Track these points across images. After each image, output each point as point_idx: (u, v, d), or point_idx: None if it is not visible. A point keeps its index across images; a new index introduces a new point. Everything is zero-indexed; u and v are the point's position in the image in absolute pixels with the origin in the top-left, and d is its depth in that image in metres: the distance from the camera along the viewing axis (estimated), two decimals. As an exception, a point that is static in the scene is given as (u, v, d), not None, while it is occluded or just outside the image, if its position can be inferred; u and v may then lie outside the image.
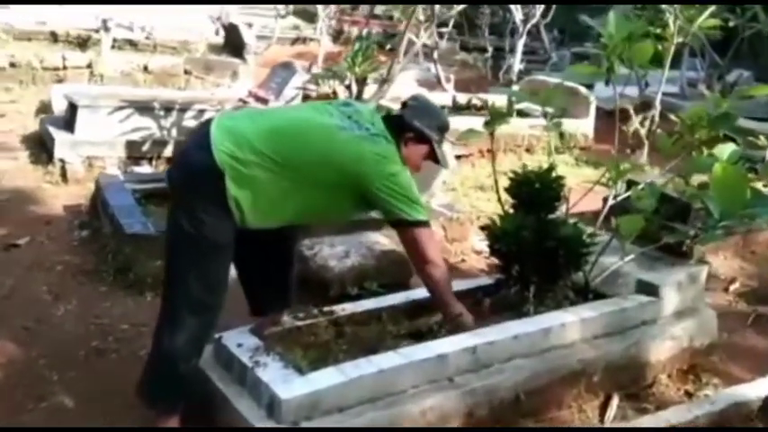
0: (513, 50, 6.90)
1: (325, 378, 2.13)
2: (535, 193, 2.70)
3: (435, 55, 7.05)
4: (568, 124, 6.41)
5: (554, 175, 2.76)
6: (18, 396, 2.60)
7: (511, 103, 6.01)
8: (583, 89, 6.47)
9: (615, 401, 2.65)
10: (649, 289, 2.88)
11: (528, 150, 6.10)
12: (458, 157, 5.71)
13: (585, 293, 2.90)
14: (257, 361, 2.23)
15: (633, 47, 2.79)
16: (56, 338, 2.98)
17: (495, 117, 2.71)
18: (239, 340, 2.37)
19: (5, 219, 4.21)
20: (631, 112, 5.19)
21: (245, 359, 2.26)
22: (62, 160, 4.92)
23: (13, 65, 7.42)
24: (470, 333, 2.43)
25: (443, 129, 2.49)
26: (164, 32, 9.11)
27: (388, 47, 7.27)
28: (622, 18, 2.89)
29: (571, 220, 2.90)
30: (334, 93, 4.23)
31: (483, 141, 5.84)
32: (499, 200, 2.87)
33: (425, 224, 2.35)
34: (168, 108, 5.18)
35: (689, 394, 2.83)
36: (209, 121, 2.28)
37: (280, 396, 2.04)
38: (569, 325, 2.60)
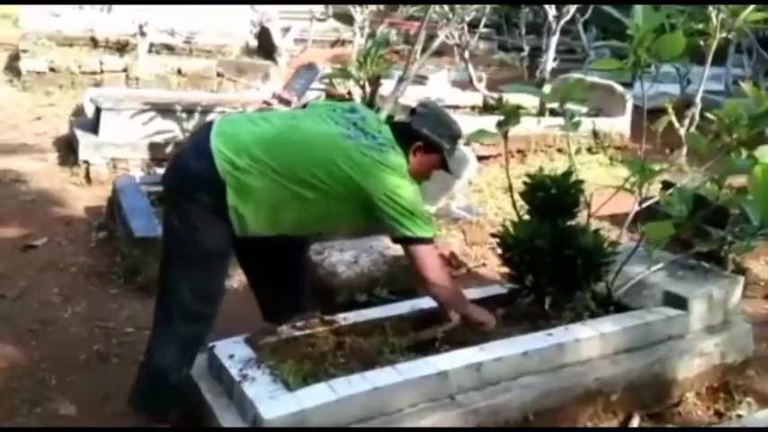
0: (546, 49, 6.65)
1: (314, 396, 2.00)
2: (551, 198, 2.52)
3: (466, 54, 6.84)
4: (603, 123, 6.19)
5: (573, 178, 2.56)
6: (15, 400, 2.57)
7: (542, 103, 5.81)
8: (618, 87, 6.20)
9: (636, 421, 2.46)
10: (677, 301, 2.67)
11: (560, 151, 5.86)
12: (486, 158, 5.54)
13: (608, 305, 2.70)
14: (245, 374, 2.12)
15: (661, 39, 2.57)
16: (60, 341, 2.95)
17: (508, 117, 2.52)
18: (232, 350, 2.26)
19: (28, 219, 4.23)
20: (669, 110, 4.90)
21: (234, 372, 2.15)
22: (86, 162, 4.96)
23: (53, 70, 7.60)
24: (475, 348, 2.27)
25: (455, 137, 2.36)
26: (206, 37, 9.23)
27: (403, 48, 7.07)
28: (650, 9, 2.68)
29: (594, 227, 2.72)
30: (350, 93, 4.12)
31: (514, 141, 5.74)
32: (514, 205, 2.69)
33: (428, 241, 2.21)
34: (191, 110, 5.15)
35: (719, 414, 2.61)
36: (209, 125, 2.18)
37: (262, 415, 1.92)
38: (586, 340, 2.41)
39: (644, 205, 2.72)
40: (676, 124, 5.13)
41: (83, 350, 2.89)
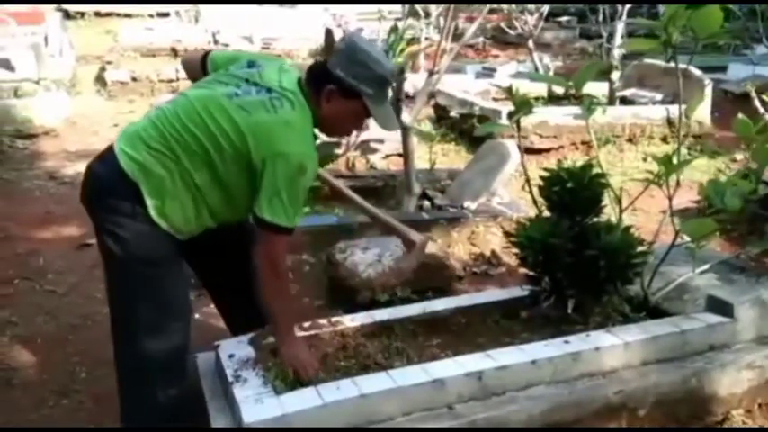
0: (612, 35, 6.26)
1: (300, 401, 1.93)
2: (567, 193, 2.32)
3: (530, 43, 6.56)
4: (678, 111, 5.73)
5: (593, 172, 2.35)
6: (45, 391, 2.69)
7: (612, 91, 5.49)
8: (696, 71, 5.73)
9: (670, 440, 2.23)
10: (722, 307, 2.40)
11: (630, 140, 5.50)
12: (547, 150, 5.29)
13: (644, 310, 2.48)
14: (238, 376, 2.09)
15: (695, 15, 2.29)
16: (95, 337, 3.04)
17: (520, 107, 2.34)
18: (233, 350, 2.24)
19: (89, 220, 4.41)
20: (752, 94, 4.48)
21: (230, 372, 2.12)
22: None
23: (134, 79, 8.01)
24: (479, 355, 2.13)
25: (381, 81, 1.98)
26: (283, 42, 9.45)
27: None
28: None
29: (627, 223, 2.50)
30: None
31: (576, 133, 5.45)
32: (534, 202, 2.51)
33: (283, 231, 1.91)
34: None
35: (774, 433, 2.33)
36: None
37: (243, 418, 1.88)
38: (607, 349, 2.21)
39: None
40: (761, 109, 4.68)
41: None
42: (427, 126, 6.34)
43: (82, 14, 11.90)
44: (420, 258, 2.32)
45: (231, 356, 2.21)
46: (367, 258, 2.98)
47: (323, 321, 2.42)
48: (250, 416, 1.88)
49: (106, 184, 1.94)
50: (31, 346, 2.99)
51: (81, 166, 2.08)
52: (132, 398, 2.06)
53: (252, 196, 1.95)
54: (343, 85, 1.96)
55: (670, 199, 2.34)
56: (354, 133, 3.69)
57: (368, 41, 2.13)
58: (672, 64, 2.39)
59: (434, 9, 8.43)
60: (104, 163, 1.96)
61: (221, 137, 1.90)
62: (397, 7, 11.54)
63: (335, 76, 1.95)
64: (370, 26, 10.31)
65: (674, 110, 5.72)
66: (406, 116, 3.82)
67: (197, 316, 2.72)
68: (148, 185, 1.91)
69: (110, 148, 1.99)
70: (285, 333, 2.09)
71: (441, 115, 6.47)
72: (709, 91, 5.78)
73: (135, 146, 1.93)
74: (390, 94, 2.07)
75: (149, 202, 1.91)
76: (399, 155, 4.10)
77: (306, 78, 2.02)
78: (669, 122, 5.58)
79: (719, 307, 2.40)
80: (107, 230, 1.94)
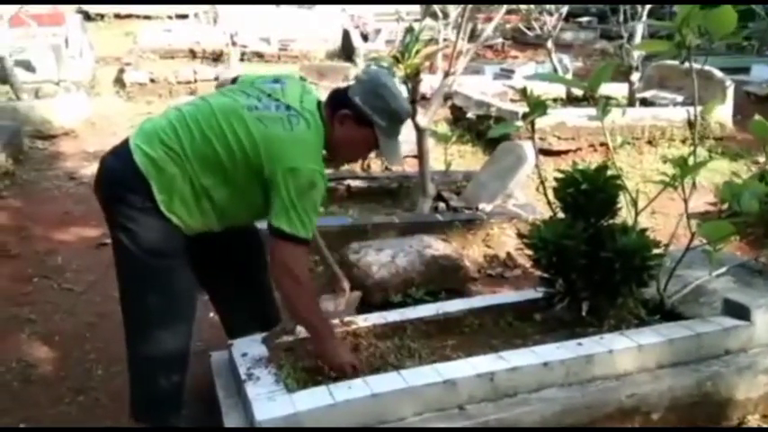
0: (632, 35, 6.21)
1: (311, 399, 1.94)
2: (582, 195, 2.30)
3: (550, 44, 6.52)
4: (695, 112, 5.67)
5: (608, 174, 2.33)
6: (62, 388, 2.72)
7: (632, 93, 5.44)
8: (718, 72, 5.66)
9: (684, 444, 2.21)
10: (738, 311, 2.38)
11: (650, 142, 5.45)
12: (565, 152, 5.26)
13: (659, 313, 2.46)
14: (251, 373, 2.10)
15: (709, 15, 2.26)
16: (111, 335, 3.06)
17: (534, 108, 2.33)
18: (246, 349, 2.26)
19: (104, 220, 4.47)
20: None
21: (242, 371, 2.14)
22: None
23: (153, 80, 8.09)
24: (492, 356, 2.13)
25: (395, 116, 2.06)
26: (300, 44, 9.51)
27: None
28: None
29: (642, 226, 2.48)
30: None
31: (594, 134, 5.41)
32: (549, 203, 2.49)
33: (299, 241, 1.96)
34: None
35: (791, 439, 2.30)
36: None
37: (255, 416, 1.89)
38: (621, 352, 2.20)
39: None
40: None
41: (126, 343, 3.00)
42: (443, 127, 6.33)
43: (102, 16, 12.04)
44: (350, 311, 2.36)
45: (244, 355, 2.22)
46: (380, 259, 2.98)
47: (336, 322, 2.43)
48: (262, 413, 1.90)
49: (119, 177, 2.00)
50: (49, 343, 3.03)
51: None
52: (140, 384, 2.13)
53: (261, 202, 2.01)
54: (359, 112, 2.04)
55: (686, 201, 2.32)
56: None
57: (391, 78, 2.21)
58: (690, 64, 2.36)
59: (453, 10, 8.44)
60: (118, 157, 2.02)
61: (236, 145, 1.97)
62: (416, 8, 11.54)
63: (353, 102, 2.04)
64: (388, 27, 10.35)
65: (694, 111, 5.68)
66: (422, 117, 3.82)
67: (211, 315, 2.73)
68: (159, 182, 1.97)
69: (124, 143, 2.04)
70: (323, 338, 2.10)
71: (457, 116, 6.46)
72: (731, 92, 5.71)
73: (151, 143, 1.98)
74: (401, 131, 2.12)
75: (159, 197, 1.97)
76: (415, 156, 4.10)
77: (326, 101, 2.11)
78: (690, 124, 5.51)
79: (736, 310, 2.38)
80: (119, 223, 2.01)
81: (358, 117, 2.04)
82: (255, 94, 2.05)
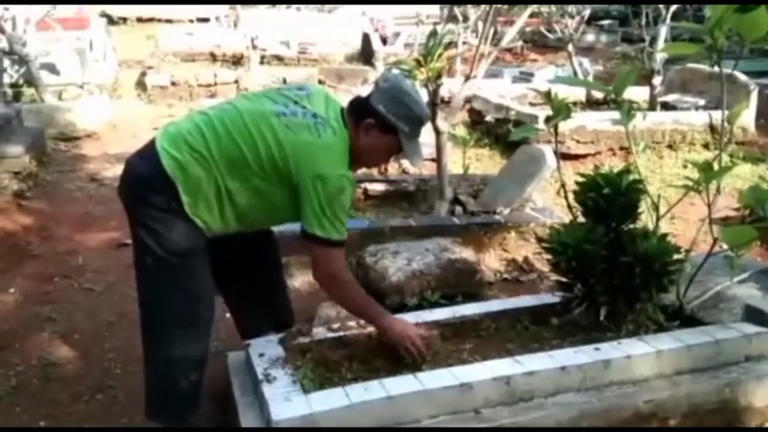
0: (655, 39, 6.16)
1: (328, 400, 1.95)
2: (603, 199, 2.29)
3: (570, 47, 6.49)
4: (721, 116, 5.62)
5: (630, 178, 2.31)
6: (81, 386, 2.76)
7: (653, 97, 5.39)
8: (741, 76, 5.59)
9: (703, 451, 2.18)
10: (759, 317, 2.35)
11: (670, 147, 5.40)
12: (583, 156, 5.23)
13: (678, 318, 2.43)
14: (268, 374, 2.11)
15: (741, 19, 2.24)
16: (130, 334, 3.10)
17: (558, 111, 2.32)
18: (263, 350, 2.27)
19: (125, 221, 4.52)
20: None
21: (259, 371, 2.15)
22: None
23: (174, 83, 8.19)
24: (508, 360, 2.12)
25: (418, 121, 2.11)
26: (320, 47, 9.57)
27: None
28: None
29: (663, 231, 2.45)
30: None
31: (613, 138, 5.37)
32: (569, 208, 2.48)
33: (334, 244, 2.02)
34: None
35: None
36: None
37: (272, 416, 1.91)
38: (639, 357, 2.18)
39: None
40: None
41: (144, 342, 3.04)
42: (461, 131, 6.33)
43: (124, 20, 12.22)
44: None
45: (261, 355, 2.24)
46: (397, 262, 2.98)
47: (352, 323, 2.44)
48: (279, 413, 1.90)
49: (146, 179, 2.03)
50: (69, 342, 3.08)
51: (121, 169, 2.15)
52: (158, 383, 2.14)
53: (283, 207, 2.07)
54: (383, 120, 2.07)
55: (709, 206, 2.30)
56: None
57: (409, 82, 2.27)
58: (716, 69, 2.34)
59: (473, 13, 8.45)
60: (145, 159, 2.05)
61: (264, 150, 2.00)
62: (435, 11, 11.56)
63: (377, 111, 2.07)
64: (408, 30, 10.37)
65: (717, 116, 5.63)
66: (441, 121, 3.82)
67: (227, 315, 2.75)
68: (185, 184, 1.99)
69: (149, 146, 2.07)
70: (382, 322, 2.18)
71: (475, 120, 6.44)
72: (754, 96, 5.64)
73: (178, 146, 2.01)
74: (422, 133, 2.16)
75: (185, 199, 2.00)
76: (432, 159, 4.10)
77: (347, 110, 2.14)
78: (711, 129, 5.45)
79: (757, 317, 2.35)
80: (143, 223, 2.03)
81: (382, 125, 2.08)
82: (282, 101, 2.08)
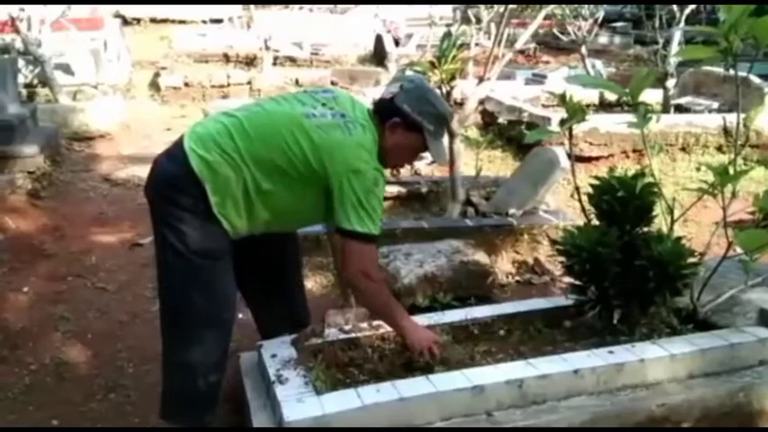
0: (668, 41, 6.12)
1: (340, 402, 1.95)
2: (618, 202, 2.27)
3: (583, 49, 6.46)
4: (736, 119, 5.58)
5: (645, 181, 2.30)
6: (94, 386, 2.78)
7: (667, 99, 5.36)
8: (756, 79, 5.55)
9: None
10: (774, 322, 2.32)
11: (683, 149, 5.36)
12: (596, 159, 5.21)
13: (692, 322, 2.42)
14: (280, 375, 2.12)
15: (757, 23, 2.22)
16: (143, 333, 3.13)
17: (573, 114, 2.30)
18: (275, 351, 2.27)
19: (140, 220, 4.54)
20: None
21: (272, 372, 2.15)
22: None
23: (187, 84, 8.23)
24: (521, 363, 2.12)
25: (441, 119, 2.15)
26: (333, 48, 9.59)
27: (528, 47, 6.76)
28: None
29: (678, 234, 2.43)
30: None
31: (627, 140, 5.34)
32: (583, 210, 2.47)
33: (368, 239, 2.04)
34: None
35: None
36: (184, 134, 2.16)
37: (284, 417, 1.91)
38: (652, 361, 2.16)
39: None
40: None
41: (161, 342, 3.04)
42: (474, 132, 6.32)
43: (138, 21, 12.29)
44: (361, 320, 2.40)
45: (274, 356, 2.24)
46: (409, 264, 2.98)
47: (364, 325, 2.44)
48: (291, 415, 1.91)
49: (173, 179, 2.04)
50: (82, 341, 3.10)
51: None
52: (177, 383, 2.14)
53: (312, 209, 2.12)
54: (408, 120, 2.11)
55: (724, 210, 2.28)
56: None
57: (430, 85, 2.32)
58: (731, 72, 2.32)
59: (486, 15, 8.45)
60: (173, 159, 2.07)
61: (298, 152, 2.02)
62: (448, 12, 11.56)
63: (402, 110, 2.10)
64: (420, 32, 10.37)
65: (731, 118, 5.60)
66: (454, 123, 3.81)
67: (240, 315, 2.76)
68: (214, 184, 2.01)
69: (178, 145, 2.08)
70: (405, 324, 2.18)
71: (488, 122, 6.43)
72: (768, 99, 5.60)
73: (207, 147, 2.03)
74: (446, 132, 2.19)
75: (212, 199, 2.02)
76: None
77: (373, 110, 2.17)
78: (725, 131, 5.41)
79: (772, 321, 2.32)
80: (168, 223, 2.04)
81: (408, 124, 2.11)
82: (310, 102, 2.11)
